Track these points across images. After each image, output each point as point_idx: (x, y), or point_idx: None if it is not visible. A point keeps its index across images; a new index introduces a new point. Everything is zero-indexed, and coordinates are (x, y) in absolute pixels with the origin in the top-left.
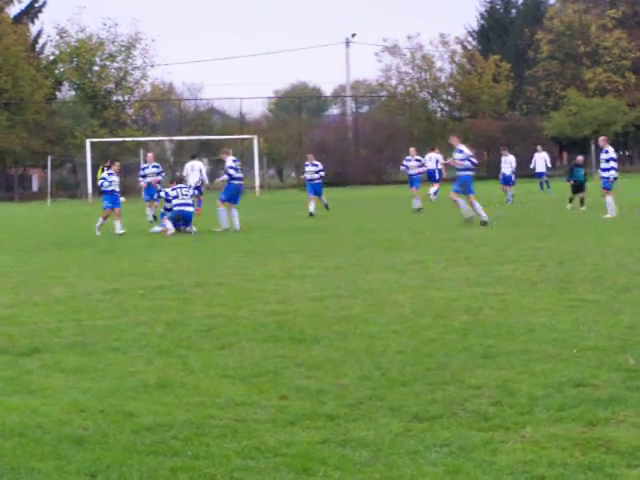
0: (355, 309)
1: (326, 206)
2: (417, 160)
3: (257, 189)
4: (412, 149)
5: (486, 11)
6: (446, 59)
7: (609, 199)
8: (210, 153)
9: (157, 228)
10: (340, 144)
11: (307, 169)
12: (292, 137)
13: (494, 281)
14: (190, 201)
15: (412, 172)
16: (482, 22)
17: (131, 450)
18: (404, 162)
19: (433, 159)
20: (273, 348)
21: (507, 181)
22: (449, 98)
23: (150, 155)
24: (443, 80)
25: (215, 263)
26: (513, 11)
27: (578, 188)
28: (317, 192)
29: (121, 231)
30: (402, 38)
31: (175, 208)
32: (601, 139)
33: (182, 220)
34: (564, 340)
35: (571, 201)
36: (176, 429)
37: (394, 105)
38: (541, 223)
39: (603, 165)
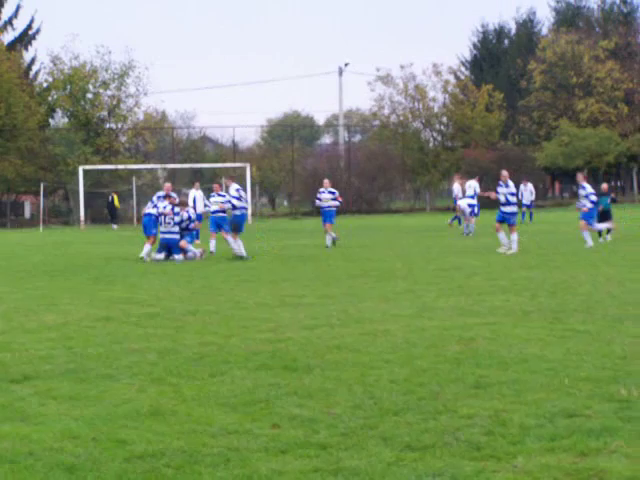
0: (347, 338)
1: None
2: (331, 192)
3: (249, 217)
4: (326, 181)
5: (479, 41)
6: (439, 89)
7: (514, 236)
8: (203, 181)
9: (159, 255)
10: (332, 173)
11: (213, 200)
12: (284, 166)
13: (486, 311)
14: (175, 229)
15: (324, 205)
16: (475, 52)
17: (123, 478)
18: (318, 195)
19: (472, 187)
20: (265, 377)
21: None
22: (442, 128)
23: (168, 185)
24: (436, 110)
25: (207, 291)
26: (506, 41)
27: (604, 217)
28: (220, 226)
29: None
30: (395, 68)
31: (160, 236)
32: (503, 173)
33: (167, 248)
34: (556, 370)
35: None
36: (168, 457)
37: (387, 134)
38: (533, 253)
39: (504, 199)
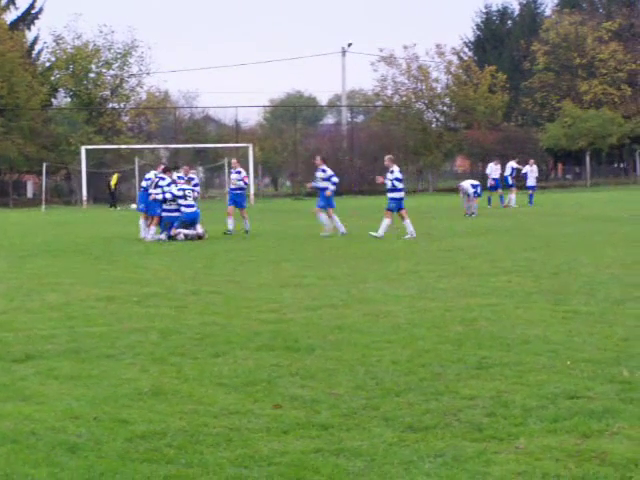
0: (349, 319)
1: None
2: (237, 172)
3: (252, 198)
4: (234, 160)
5: (482, 22)
6: (442, 70)
7: (407, 222)
8: (206, 161)
9: (162, 235)
10: (335, 153)
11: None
12: (287, 146)
13: (489, 292)
14: (194, 202)
15: (232, 187)
16: (478, 33)
17: (125, 458)
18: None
19: (508, 168)
20: (267, 357)
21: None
22: (444, 109)
23: (234, 161)
24: (439, 90)
25: (209, 271)
26: (509, 22)
27: None
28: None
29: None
30: (398, 48)
31: (184, 209)
32: (386, 158)
33: (191, 223)
34: (558, 352)
35: None
36: (170, 437)
37: (389, 115)
38: (535, 234)
39: (390, 185)
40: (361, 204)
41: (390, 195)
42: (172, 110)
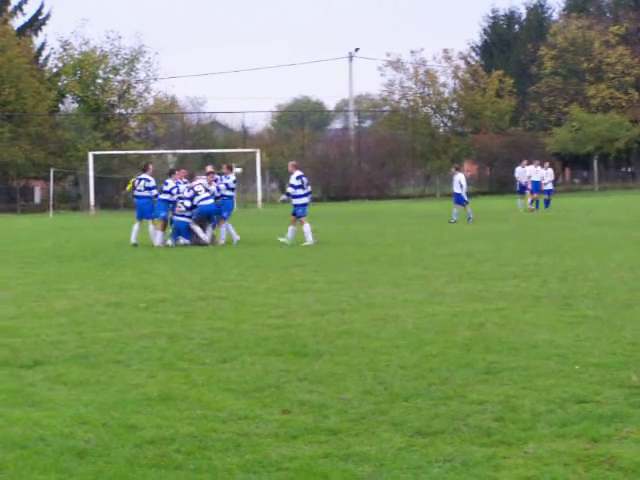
0: (357, 324)
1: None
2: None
3: (259, 203)
4: (208, 167)
5: (489, 26)
6: (449, 74)
7: (307, 227)
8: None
9: (169, 241)
10: (342, 158)
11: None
12: (294, 151)
13: (496, 296)
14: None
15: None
16: (485, 37)
17: (133, 463)
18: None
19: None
20: (275, 362)
21: (459, 200)
22: (452, 113)
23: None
24: (446, 95)
25: (217, 277)
26: (516, 27)
27: None
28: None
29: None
30: (405, 53)
31: (201, 203)
32: (289, 164)
33: (207, 218)
34: (566, 356)
35: None
36: (179, 442)
37: (397, 120)
38: (543, 239)
39: (297, 192)
40: (367, 209)
41: (294, 201)
42: (179, 116)
